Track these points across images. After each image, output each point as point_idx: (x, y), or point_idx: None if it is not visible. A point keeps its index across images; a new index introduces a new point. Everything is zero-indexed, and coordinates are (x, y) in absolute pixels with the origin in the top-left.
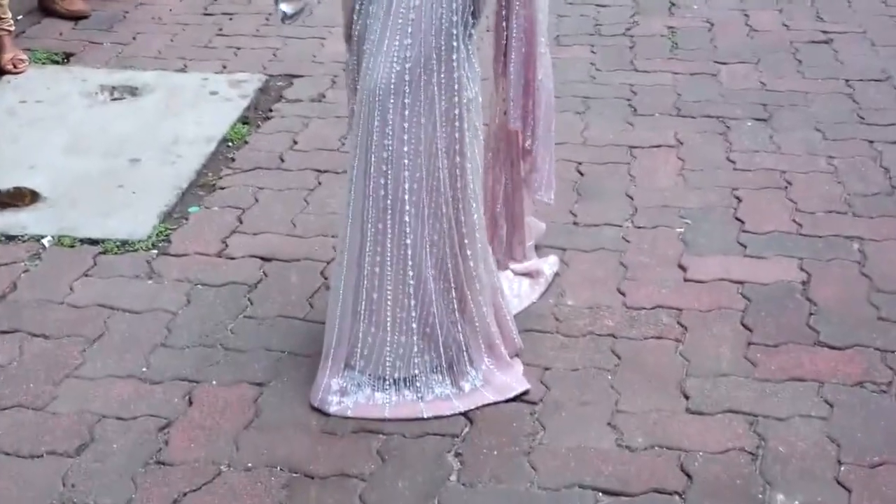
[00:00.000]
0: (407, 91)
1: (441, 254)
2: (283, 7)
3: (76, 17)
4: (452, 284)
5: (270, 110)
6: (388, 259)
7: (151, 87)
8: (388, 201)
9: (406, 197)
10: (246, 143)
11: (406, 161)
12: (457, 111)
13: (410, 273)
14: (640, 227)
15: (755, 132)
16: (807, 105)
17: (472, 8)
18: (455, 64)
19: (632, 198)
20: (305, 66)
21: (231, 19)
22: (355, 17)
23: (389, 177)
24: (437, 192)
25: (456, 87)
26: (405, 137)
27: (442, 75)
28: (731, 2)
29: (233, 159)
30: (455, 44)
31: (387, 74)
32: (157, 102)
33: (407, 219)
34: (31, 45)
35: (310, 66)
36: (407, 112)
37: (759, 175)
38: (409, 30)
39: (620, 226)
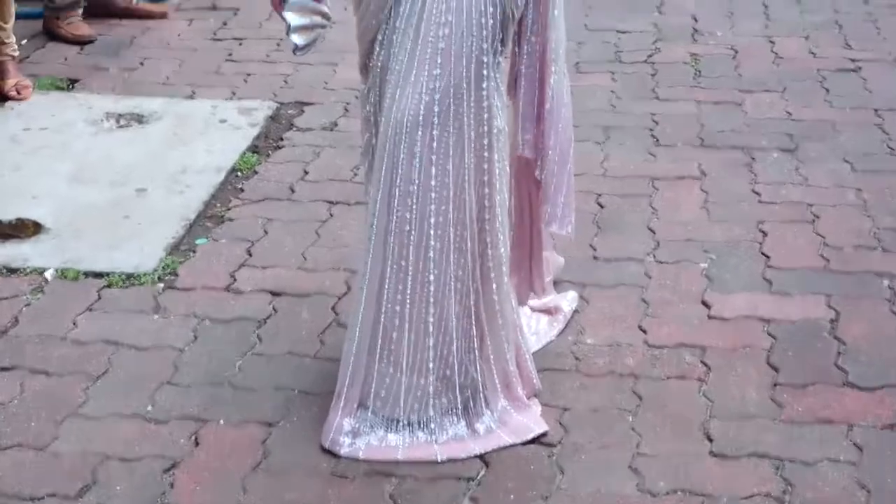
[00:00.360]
0: (436, 122)
1: (465, 290)
2: (295, 39)
3: (82, 42)
4: (474, 322)
5: (281, 139)
6: (409, 297)
7: (159, 114)
8: (412, 237)
9: (431, 232)
10: (255, 172)
11: (433, 195)
12: (486, 141)
13: (432, 311)
14: (662, 262)
15: (781, 163)
16: (835, 136)
17: (500, 35)
18: (485, 93)
19: (654, 231)
20: (317, 94)
21: (241, 44)
22: (377, 48)
23: (415, 211)
24: (462, 226)
25: (486, 116)
26: (433, 171)
27: (471, 104)
28: (755, 28)
29: (242, 190)
30: (485, 72)
31: (415, 106)
32: (164, 130)
33: (431, 254)
34: (36, 70)
35: (322, 94)
36: (435, 144)
37: (786, 208)
38: (438, 59)
39: (642, 260)
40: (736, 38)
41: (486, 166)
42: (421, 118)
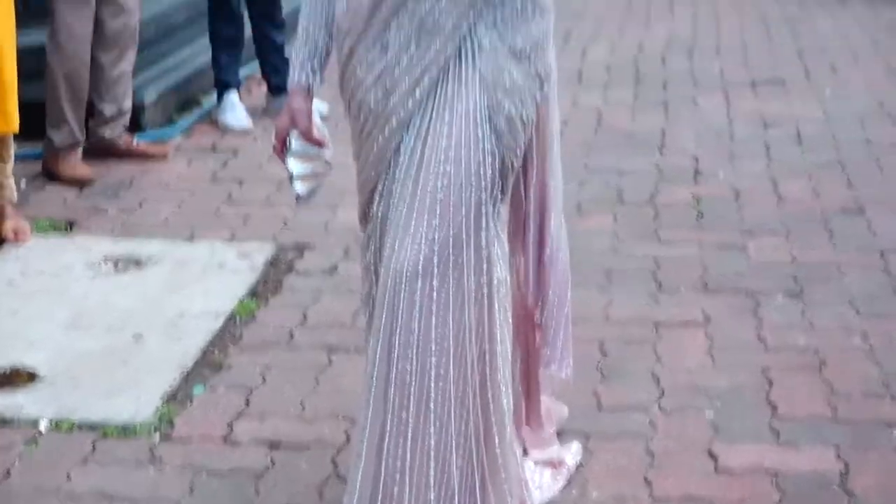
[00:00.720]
0: (435, 273)
1: (467, 443)
2: (298, 188)
3: (81, 183)
4: (477, 476)
5: (280, 283)
6: (410, 451)
7: (157, 258)
8: (413, 389)
9: (432, 385)
10: (254, 318)
11: (433, 347)
12: (485, 291)
13: (433, 465)
14: (667, 411)
15: (786, 308)
16: (840, 279)
17: (500, 184)
18: (484, 242)
19: (658, 379)
20: (317, 236)
21: (241, 186)
22: (376, 198)
23: (415, 364)
24: (464, 379)
25: (485, 266)
26: (433, 322)
27: (471, 255)
28: (757, 169)
29: (240, 336)
30: (484, 222)
31: (414, 256)
32: (162, 275)
33: (432, 407)
34: (35, 211)
35: (321, 236)
36: (435, 295)
37: (792, 355)
38: (438, 210)
39: (647, 409)
40: (738, 179)
41: (486, 317)
42: (420, 269)
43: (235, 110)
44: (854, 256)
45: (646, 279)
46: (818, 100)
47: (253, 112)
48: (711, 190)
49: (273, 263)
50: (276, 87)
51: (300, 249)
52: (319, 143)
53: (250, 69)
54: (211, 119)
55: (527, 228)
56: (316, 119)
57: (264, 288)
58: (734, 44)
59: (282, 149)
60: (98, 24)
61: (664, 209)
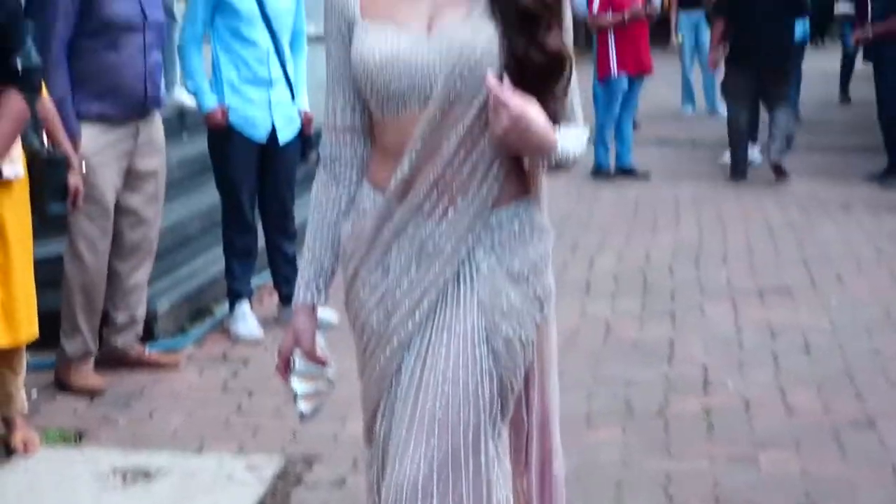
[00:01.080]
0: (435, 493)
1: None
2: (301, 407)
3: (92, 393)
4: None
5: (288, 496)
6: None
7: (165, 470)
8: None
9: None
10: None
11: None
12: None
13: None
14: None
15: None
16: (853, 495)
17: (500, 404)
18: (483, 462)
19: None
20: (326, 447)
21: (251, 396)
22: (379, 417)
23: None
24: None
25: (485, 488)
26: None
27: (470, 475)
28: (766, 378)
29: None
30: (483, 441)
31: (414, 476)
32: (170, 488)
33: None
34: (45, 422)
35: (331, 447)
36: None
37: None
38: (436, 430)
39: None
40: (747, 389)
41: None
42: (420, 488)
43: (247, 320)
44: (866, 472)
45: (657, 494)
46: (824, 308)
47: (264, 322)
48: (721, 400)
49: (281, 476)
50: (287, 297)
51: (309, 462)
52: (322, 363)
53: (262, 278)
54: (223, 328)
55: (529, 450)
56: (319, 339)
57: (272, 501)
58: (740, 251)
59: (285, 368)
60: (116, 235)
61: (674, 421)
